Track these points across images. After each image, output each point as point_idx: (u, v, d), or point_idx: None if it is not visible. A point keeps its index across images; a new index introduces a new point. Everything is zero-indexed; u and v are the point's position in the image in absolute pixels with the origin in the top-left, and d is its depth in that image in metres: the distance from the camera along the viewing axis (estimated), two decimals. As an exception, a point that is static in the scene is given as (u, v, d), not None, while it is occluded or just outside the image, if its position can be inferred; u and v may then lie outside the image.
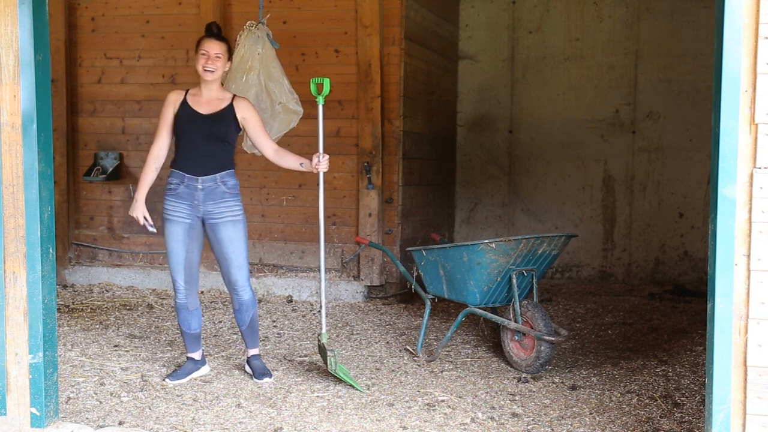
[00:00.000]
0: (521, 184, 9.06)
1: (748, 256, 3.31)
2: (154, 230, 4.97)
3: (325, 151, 4.99)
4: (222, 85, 5.03)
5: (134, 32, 7.87)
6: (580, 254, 8.90)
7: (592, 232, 8.88)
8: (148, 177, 4.93)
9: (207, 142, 4.88)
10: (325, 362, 4.92)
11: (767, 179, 3.27)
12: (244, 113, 4.96)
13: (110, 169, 7.89)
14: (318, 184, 5.08)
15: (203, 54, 4.85)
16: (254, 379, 5.05)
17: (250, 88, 5.34)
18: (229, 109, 4.93)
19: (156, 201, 8.23)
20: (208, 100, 4.94)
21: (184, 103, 4.91)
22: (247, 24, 5.45)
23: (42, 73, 3.89)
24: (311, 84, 5.04)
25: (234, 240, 4.94)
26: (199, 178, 4.86)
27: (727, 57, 3.28)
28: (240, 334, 5.19)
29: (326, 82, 5.00)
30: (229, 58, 4.96)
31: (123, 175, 7.98)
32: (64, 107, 7.91)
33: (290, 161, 5.00)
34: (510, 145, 9.08)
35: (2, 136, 3.86)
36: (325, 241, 7.54)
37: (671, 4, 8.61)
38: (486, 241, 5.14)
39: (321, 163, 4.92)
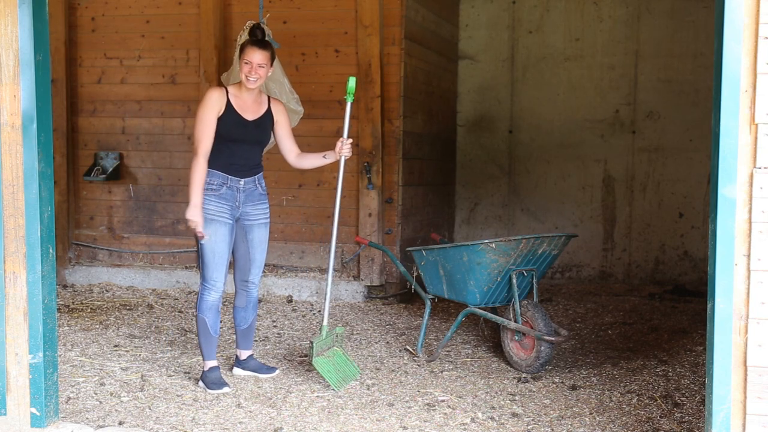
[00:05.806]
0: (521, 184, 9.06)
1: (748, 256, 3.31)
2: (208, 237, 4.72)
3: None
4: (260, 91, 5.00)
5: (134, 32, 7.87)
6: (580, 254, 8.90)
7: (592, 232, 8.88)
8: (203, 179, 4.73)
9: (252, 147, 4.90)
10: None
11: (767, 179, 3.27)
12: (279, 116, 4.99)
13: (110, 169, 7.90)
14: (338, 171, 5.04)
15: (246, 63, 4.76)
16: (261, 374, 5.06)
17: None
18: (268, 113, 4.95)
19: (155, 201, 8.21)
20: (250, 104, 4.89)
21: (230, 108, 4.80)
22: (247, 24, 5.43)
23: (42, 73, 3.89)
24: (350, 81, 4.97)
25: (263, 242, 5.01)
26: (242, 180, 4.86)
27: (727, 57, 3.27)
28: (236, 335, 5.17)
29: (350, 80, 4.96)
30: (272, 64, 4.87)
31: (123, 175, 7.98)
32: (64, 107, 7.91)
33: (312, 160, 5.05)
34: (510, 145, 9.08)
35: (2, 136, 3.86)
36: (325, 241, 7.58)
37: (671, 4, 8.61)
38: (486, 241, 5.14)
39: (345, 146, 4.94)
